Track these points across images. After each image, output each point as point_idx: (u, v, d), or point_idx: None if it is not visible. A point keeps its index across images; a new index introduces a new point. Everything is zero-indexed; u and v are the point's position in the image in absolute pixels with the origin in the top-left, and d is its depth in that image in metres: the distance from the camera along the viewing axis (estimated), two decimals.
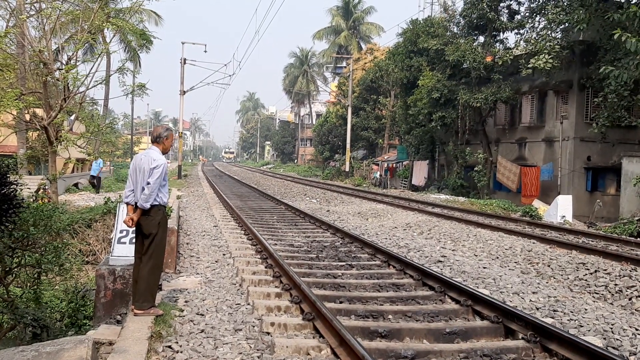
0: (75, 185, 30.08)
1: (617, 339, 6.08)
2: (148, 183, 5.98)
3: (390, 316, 6.48)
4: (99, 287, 6.79)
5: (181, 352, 5.21)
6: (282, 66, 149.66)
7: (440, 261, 10.29)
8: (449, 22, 30.72)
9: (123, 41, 37.72)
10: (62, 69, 15.06)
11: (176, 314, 6.37)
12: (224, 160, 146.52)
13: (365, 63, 52.36)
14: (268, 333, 5.83)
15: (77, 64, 15.36)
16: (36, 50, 14.68)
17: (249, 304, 6.89)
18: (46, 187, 16.76)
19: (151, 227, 6.06)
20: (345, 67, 58.79)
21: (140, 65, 42.52)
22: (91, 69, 15.74)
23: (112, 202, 15.23)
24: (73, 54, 15.56)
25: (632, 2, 17.39)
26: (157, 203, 6.07)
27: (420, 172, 36.59)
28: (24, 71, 17.83)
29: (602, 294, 8.58)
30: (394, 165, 42.79)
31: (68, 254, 10.76)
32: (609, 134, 22.78)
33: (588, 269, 9.80)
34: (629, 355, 5.61)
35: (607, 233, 15.85)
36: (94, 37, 18.19)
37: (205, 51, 42.90)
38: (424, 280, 8.08)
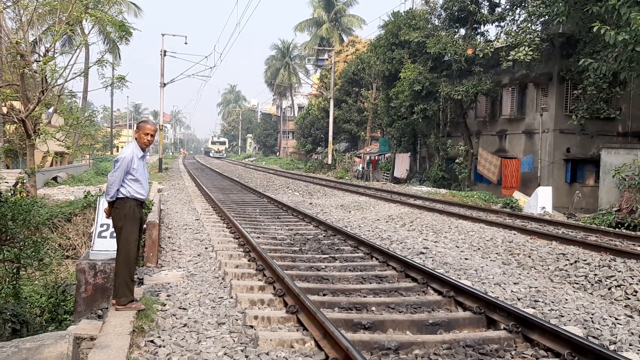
0: (54, 178, 29.72)
1: (597, 329, 6.16)
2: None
3: (373, 308, 6.50)
4: (80, 281, 6.71)
5: (164, 346, 5.17)
6: (263, 58, 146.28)
7: (423, 253, 10.34)
8: (430, 14, 30.76)
9: (102, 33, 37.23)
10: (39, 61, 14.83)
11: (158, 308, 6.32)
12: (210, 155, 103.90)
13: (347, 55, 52.29)
14: (251, 326, 5.81)
15: (55, 55, 15.15)
16: (13, 41, 14.42)
17: (232, 298, 6.86)
18: (24, 181, 16.52)
19: (117, 220, 6.08)
20: (327, 59, 58.69)
21: (119, 57, 42.18)
22: (69, 60, 15.53)
23: (91, 195, 15.07)
24: (51, 45, 15.35)
25: None
26: (123, 196, 6.05)
27: (402, 164, 36.72)
28: (0, 63, 17.51)
29: (582, 284, 8.70)
30: (376, 157, 42.88)
31: (47, 249, 10.65)
32: (588, 126, 23.04)
33: (568, 260, 9.92)
34: (609, 345, 5.69)
35: (586, 224, 16.06)
36: (72, 29, 17.93)
37: (186, 43, 42.56)
38: (406, 272, 8.12)
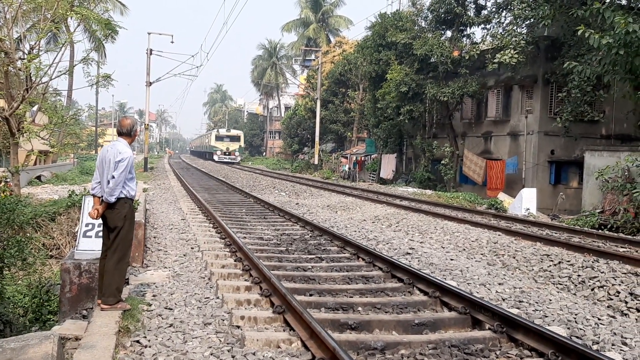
0: (38, 177, 29.43)
1: (581, 329, 6.24)
2: (113, 177, 5.91)
3: (359, 308, 6.53)
4: (64, 281, 6.65)
5: (150, 346, 5.15)
6: (250, 58, 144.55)
7: (409, 253, 10.39)
8: (417, 16, 30.90)
9: (87, 31, 36.81)
10: (24, 59, 14.67)
11: (144, 308, 6.29)
12: (215, 159, 65.21)
13: (334, 56, 52.37)
14: (238, 327, 5.81)
15: (40, 53, 15.00)
16: None
17: (218, 298, 6.85)
18: (8, 180, 16.33)
19: (116, 221, 5.99)
20: (314, 59, 58.71)
21: (105, 56, 41.79)
22: (54, 58, 15.38)
23: (76, 195, 14.92)
24: (35, 43, 15.18)
25: None
26: (124, 196, 6.00)
27: (388, 165, 36.83)
28: None
29: (566, 285, 8.78)
30: (363, 158, 42.97)
31: (31, 248, 10.54)
32: (572, 128, 23.26)
33: (552, 261, 10.02)
34: (592, 344, 5.76)
35: (570, 225, 16.22)
36: (58, 26, 17.75)
37: (172, 42, 42.21)
38: (392, 272, 8.15)
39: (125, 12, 45.35)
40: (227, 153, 64.68)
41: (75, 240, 7.24)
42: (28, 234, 11.54)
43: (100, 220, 6.23)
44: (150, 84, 42.18)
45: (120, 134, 6.27)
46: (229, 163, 61.92)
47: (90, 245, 6.90)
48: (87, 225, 7.03)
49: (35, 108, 18.56)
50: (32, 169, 29.54)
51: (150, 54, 41.63)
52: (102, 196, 5.99)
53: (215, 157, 64.61)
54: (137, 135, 6.41)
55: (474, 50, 26.05)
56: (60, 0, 14.80)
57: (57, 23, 16.35)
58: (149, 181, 29.15)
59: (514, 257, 10.51)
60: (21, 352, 4.12)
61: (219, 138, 66.35)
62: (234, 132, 68.72)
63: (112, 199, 5.92)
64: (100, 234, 6.40)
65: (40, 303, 8.00)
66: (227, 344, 5.31)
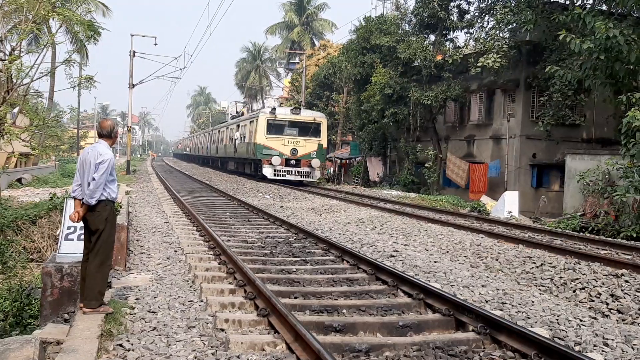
0: (19, 180, 29.09)
1: (563, 330, 6.29)
2: (93, 179, 5.87)
3: (344, 310, 6.53)
4: (46, 285, 6.58)
5: (133, 350, 5.10)
6: (234, 61, 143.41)
7: (393, 256, 10.41)
8: (401, 20, 31.06)
9: (70, 32, 36.50)
10: (5, 60, 14.52)
11: (127, 311, 6.24)
12: (265, 173, 29.78)
13: (319, 59, 52.42)
14: (222, 330, 5.78)
15: (21, 54, 14.84)
16: None
17: (202, 301, 6.82)
18: None
19: (98, 223, 5.94)
20: (298, 63, 58.72)
21: (87, 57, 41.47)
22: (36, 60, 15.23)
23: (57, 197, 14.76)
24: (17, 44, 15.05)
25: (576, 4, 18.00)
26: (105, 198, 5.95)
27: (372, 168, 36.94)
28: None
29: (548, 287, 8.87)
30: (347, 161, 43.03)
31: (12, 252, 10.42)
32: (554, 132, 23.53)
33: (534, 263, 10.11)
34: (574, 345, 5.81)
35: (551, 228, 16.37)
36: (39, 27, 17.59)
37: (156, 44, 41.92)
38: (377, 274, 8.17)
39: (108, 13, 45.10)
40: (294, 162, 31.01)
41: (57, 244, 7.16)
42: (8, 237, 11.42)
43: (82, 223, 6.17)
44: (133, 86, 41.86)
45: (100, 135, 6.23)
46: (297, 185, 30.11)
47: (72, 248, 6.83)
48: (68, 228, 6.95)
49: (16, 110, 18.33)
50: (13, 171, 29.20)
51: (133, 56, 41.30)
52: (82, 198, 5.94)
53: (267, 171, 30.44)
54: (117, 137, 6.36)
55: (457, 54, 26.24)
56: (41, 1, 14.67)
57: (38, 24, 16.20)
58: (131, 184, 28.93)
59: (497, 260, 10.58)
60: (2, 356, 4.06)
61: (276, 127, 31.47)
62: (307, 114, 32.93)
63: (93, 202, 5.88)
64: (82, 237, 6.34)
65: (21, 307, 7.89)
66: (211, 347, 5.28)
